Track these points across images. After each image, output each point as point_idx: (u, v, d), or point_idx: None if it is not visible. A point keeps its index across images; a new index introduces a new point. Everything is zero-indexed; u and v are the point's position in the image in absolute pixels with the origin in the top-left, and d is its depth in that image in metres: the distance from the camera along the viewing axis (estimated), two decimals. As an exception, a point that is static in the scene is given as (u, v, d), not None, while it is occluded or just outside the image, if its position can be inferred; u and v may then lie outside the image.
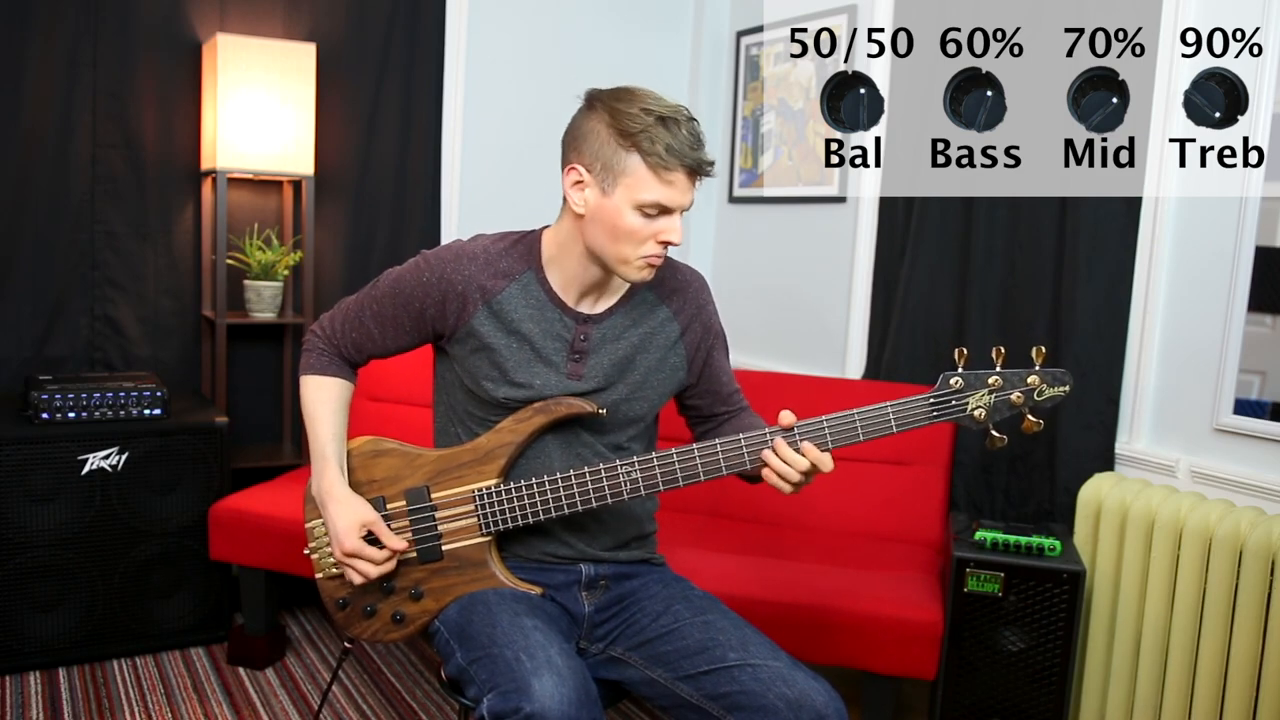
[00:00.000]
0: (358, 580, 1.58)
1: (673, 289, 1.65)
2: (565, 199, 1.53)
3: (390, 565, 1.58)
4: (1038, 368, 1.42)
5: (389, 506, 1.61)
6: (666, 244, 1.48)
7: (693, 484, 1.51)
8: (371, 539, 1.58)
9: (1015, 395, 1.42)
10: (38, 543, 2.44)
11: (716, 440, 1.49)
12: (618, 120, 1.43)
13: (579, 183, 1.49)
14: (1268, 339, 2.16)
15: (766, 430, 1.47)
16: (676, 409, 1.75)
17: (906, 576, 2.28)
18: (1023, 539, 2.17)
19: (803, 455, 1.45)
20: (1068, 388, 1.42)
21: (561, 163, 1.52)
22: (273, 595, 2.60)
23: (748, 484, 1.63)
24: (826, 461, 1.44)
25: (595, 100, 1.48)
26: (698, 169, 1.45)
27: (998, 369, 1.43)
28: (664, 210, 1.46)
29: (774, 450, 1.46)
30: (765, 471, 1.48)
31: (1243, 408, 2.17)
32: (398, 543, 1.58)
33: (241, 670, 2.58)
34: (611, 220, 1.46)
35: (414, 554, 1.60)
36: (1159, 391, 2.35)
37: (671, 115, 1.43)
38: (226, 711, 2.37)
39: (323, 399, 1.66)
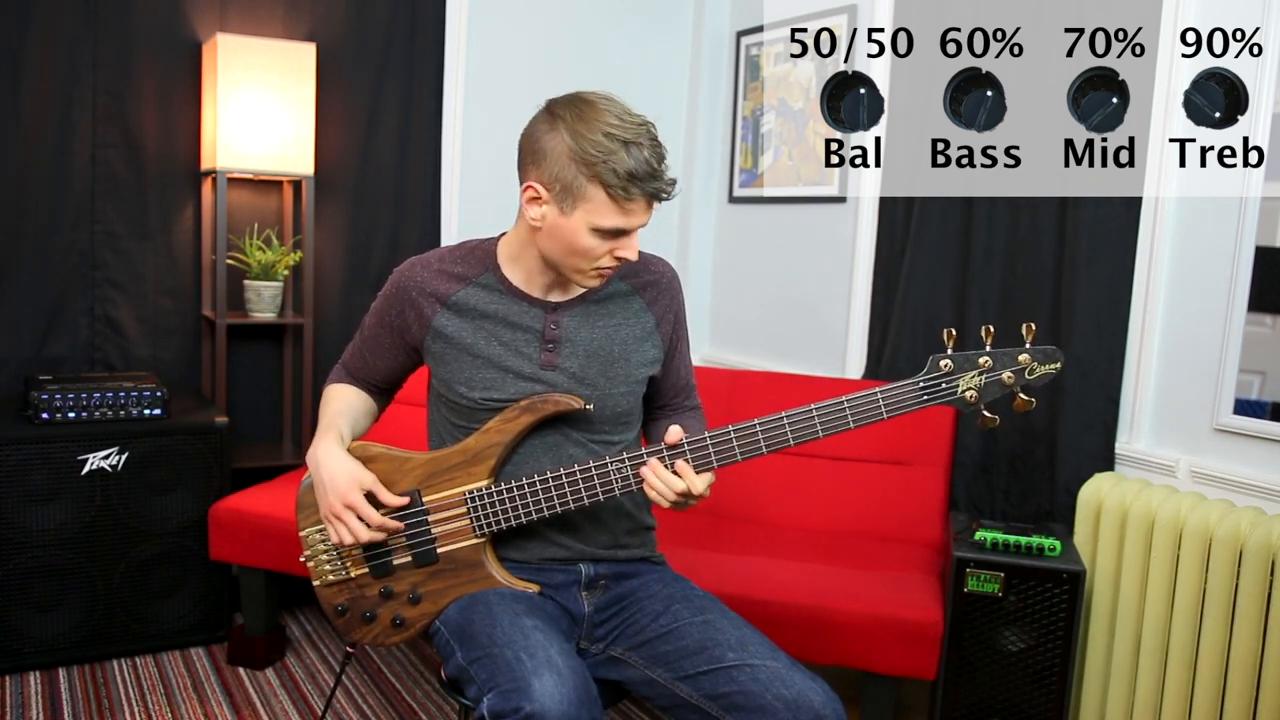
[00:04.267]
0: (347, 539, 1.54)
1: (646, 281, 1.66)
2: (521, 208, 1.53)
3: (379, 535, 1.56)
4: (1028, 346, 1.40)
5: (380, 511, 1.61)
6: (622, 260, 1.50)
7: None
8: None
9: (1006, 375, 1.40)
10: (38, 543, 2.44)
11: (706, 433, 1.49)
12: (579, 144, 1.42)
13: (536, 199, 1.48)
14: (1268, 339, 2.16)
15: (754, 422, 1.47)
16: None
17: (906, 576, 2.28)
18: (1023, 539, 2.17)
19: (678, 475, 1.46)
20: (1059, 364, 1.40)
21: (519, 171, 1.51)
22: (273, 595, 2.60)
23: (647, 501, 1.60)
24: (698, 484, 1.46)
25: (556, 117, 1.46)
26: (657, 195, 1.45)
27: (987, 349, 1.41)
28: (622, 232, 1.47)
29: (652, 470, 1.47)
30: (645, 486, 1.49)
31: (1243, 408, 2.17)
32: (397, 500, 1.57)
33: (241, 670, 2.58)
34: (568, 239, 1.47)
35: (410, 558, 1.60)
36: (1159, 391, 2.35)
37: (634, 139, 1.42)
38: (226, 711, 2.37)
39: (339, 395, 1.72)
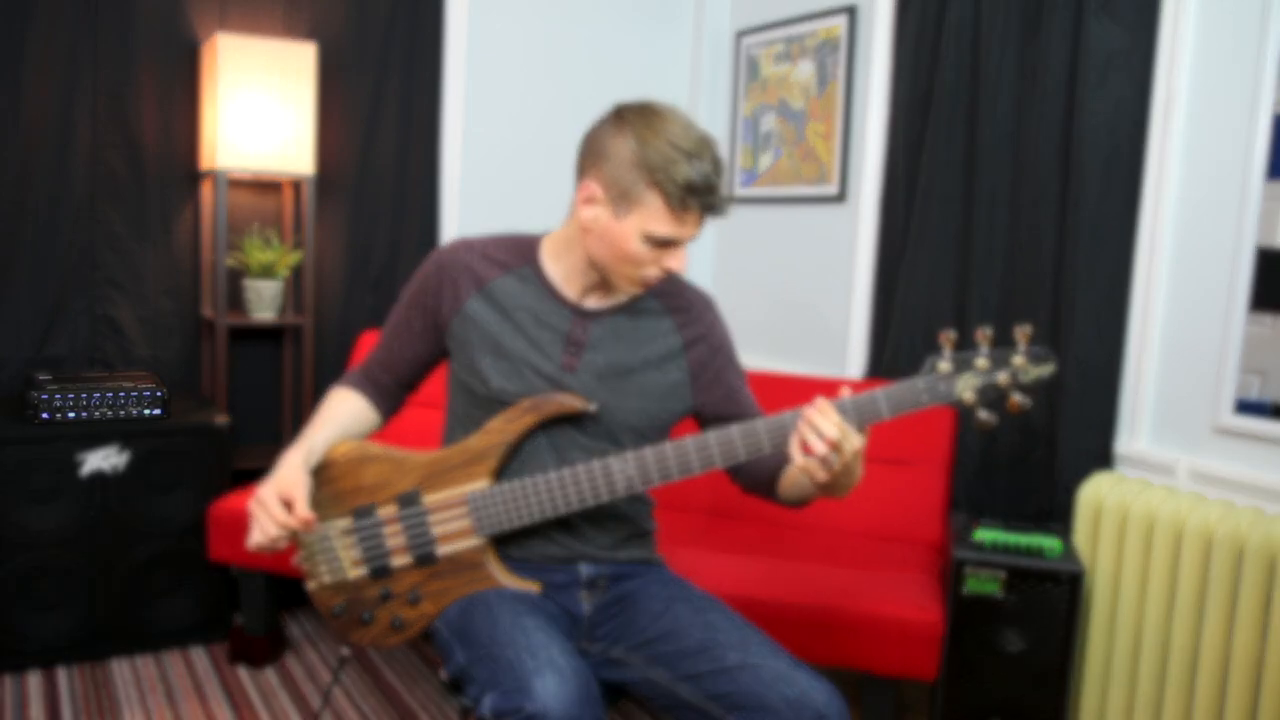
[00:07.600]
0: (256, 535, 1.50)
1: (680, 305, 1.65)
2: (573, 207, 1.53)
3: (281, 535, 1.49)
4: (1022, 348, 1.43)
5: (380, 512, 1.60)
6: (668, 270, 1.50)
7: (687, 476, 1.50)
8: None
9: (1002, 377, 1.43)
10: (38, 543, 2.44)
11: (709, 433, 1.49)
12: (644, 150, 1.42)
13: (591, 200, 1.49)
14: (1268, 339, 2.16)
15: (759, 423, 1.47)
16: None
17: (906, 576, 2.28)
18: (1022, 539, 2.17)
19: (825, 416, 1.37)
20: (1052, 366, 1.43)
21: (577, 170, 1.52)
22: (272, 595, 2.60)
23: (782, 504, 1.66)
24: (855, 437, 1.38)
25: (624, 121, 1.47)
26: (711, 209, 1.47)
27: (984, 351, 1.43)
28: (672, 242, 1.47)
29: (803, 418, 1.39)
30: (797, 451, 1.41)
31: (1243, 408, 2.17)
32: (304, 512, 1.49)
33: (241, 670, 2.58)
34: (618, 244, 1.47)
35: (410, 559, 1.60)
36: (1159, 391, 2.35)
37: (696, 152, 1.43)
38: (226, 711, 2.37)
39: (334, 400, 1.70)
